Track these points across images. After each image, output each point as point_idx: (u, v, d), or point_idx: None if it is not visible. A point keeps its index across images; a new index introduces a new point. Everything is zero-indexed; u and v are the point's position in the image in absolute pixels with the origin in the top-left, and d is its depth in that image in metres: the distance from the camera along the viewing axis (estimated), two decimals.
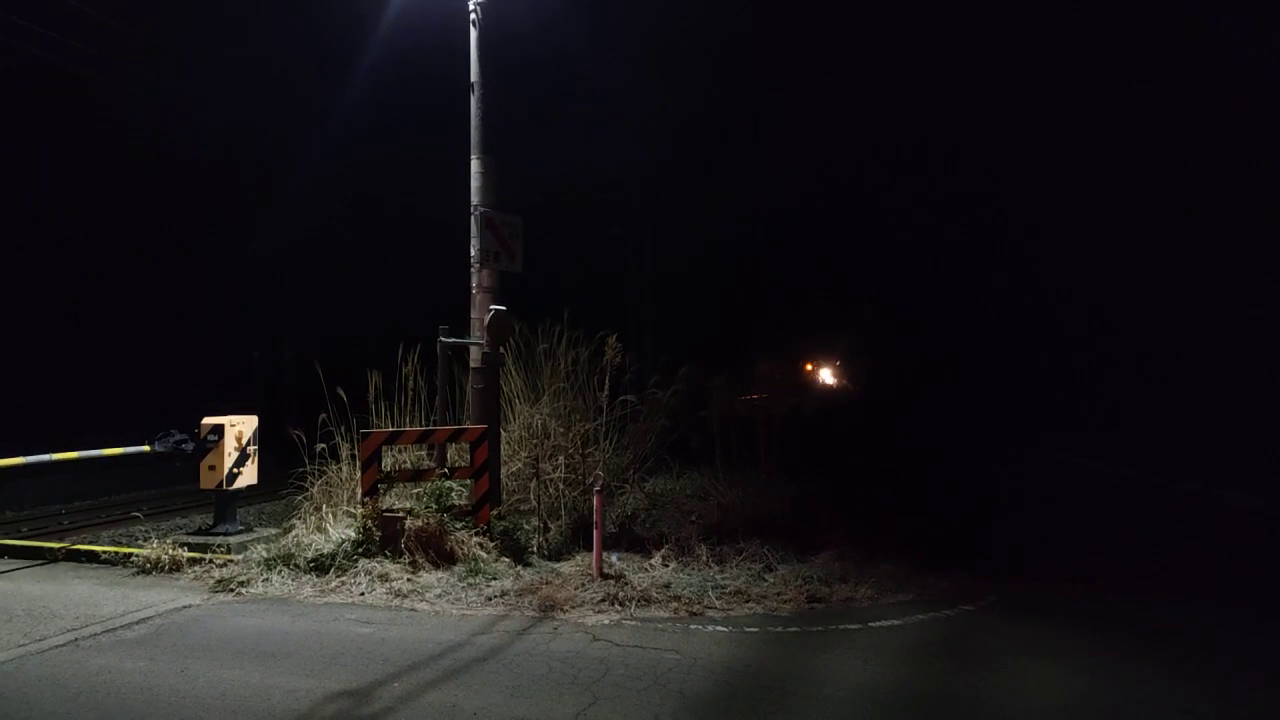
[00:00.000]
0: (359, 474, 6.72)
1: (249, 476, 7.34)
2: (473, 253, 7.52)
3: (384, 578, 5.96)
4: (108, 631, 5.05)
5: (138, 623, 5.22)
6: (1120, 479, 12.02)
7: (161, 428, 7.74)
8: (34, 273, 17.16)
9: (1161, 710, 3.89)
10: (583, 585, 5.79)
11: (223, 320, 20.63)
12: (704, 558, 6.45)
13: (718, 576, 6.03)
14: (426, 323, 7.46)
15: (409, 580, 5.92)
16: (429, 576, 6.01)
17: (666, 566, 6.30)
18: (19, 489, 11.38)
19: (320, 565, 6.22)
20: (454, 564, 6.22)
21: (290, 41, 18.22)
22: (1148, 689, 4.10)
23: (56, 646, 4.78)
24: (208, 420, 7.16)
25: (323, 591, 5.87)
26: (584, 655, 4.53)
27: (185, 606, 5.59)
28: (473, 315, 7.61)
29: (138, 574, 6.52)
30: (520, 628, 5.05)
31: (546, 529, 7.05)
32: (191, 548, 6.89)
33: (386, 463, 7.28)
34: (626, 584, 5.74)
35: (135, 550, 6.91)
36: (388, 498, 7.15)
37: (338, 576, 6.06)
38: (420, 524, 6.37)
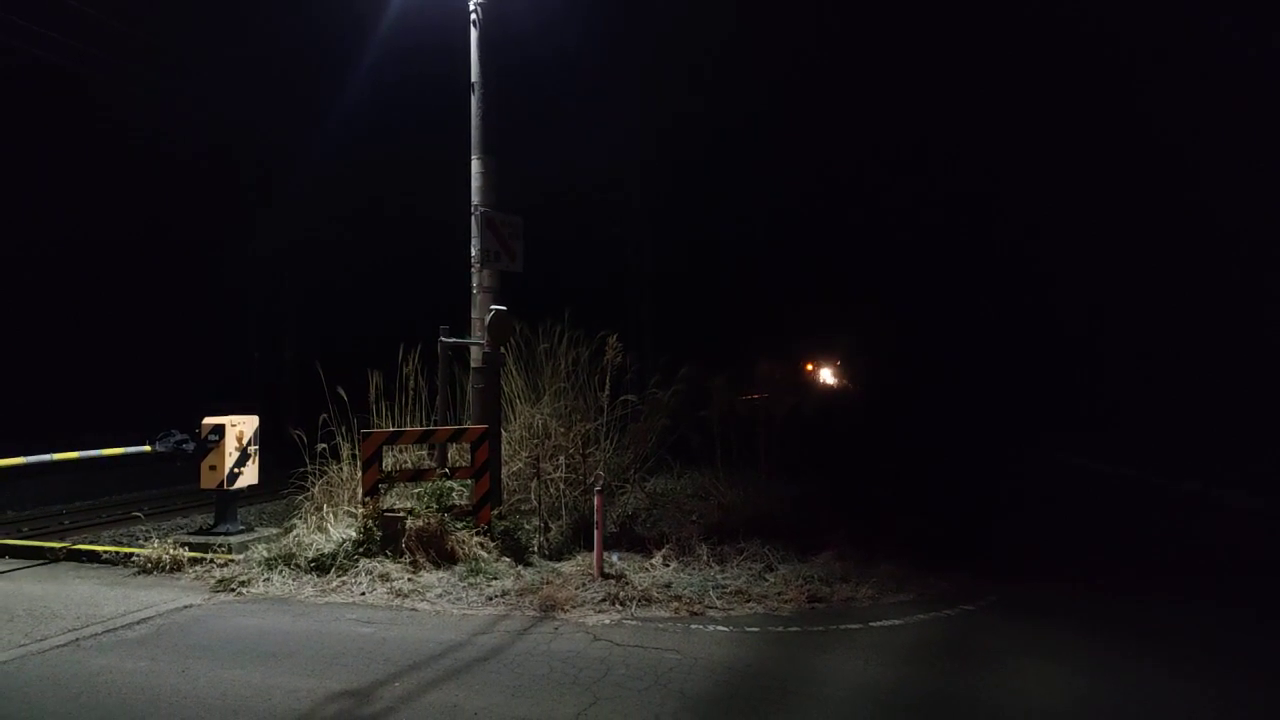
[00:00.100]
0: (360, 474, 6.73)
1: (250, 476, 7.34)
2: (473, 253, 7.53)
3: (385, 577, 5.96)
4: (109, 631, 5.05)
5: (139, 623, 5.22)
6: (1120, 479, 12.02)
7: (162, 428, 7.75)
8: (34, 273, 17.14)
9: (1162, 710, 3.89)
10: (583, 585, 5.79)
11: (223, 320, 20.63)
12: (704, 557, 6.45)
13: (718, 576, 6.03)
14: (427, 323, 7.46)
15: (410, 580, 5.92)
16: (430, 576, 6.02)
17: (667, 566, 6.30)
18: (20, 489, 11.39)
19: (321, 565, 6.23)
20: (455, 564, 6.23)
21: (290, 41, 18.24)
22: (1148, 689, 4.11)
23: (57, 646, 4.78)
24: (208, 420, 7.16)
25: (324, 591, 5.88)
26: (585, 655, 4.53)
27: (186, 606, 5.59)
28: (473, 315, 7.62)
29: (139, 574, 6.52)
30: (521, 627, 5.06)
31: (547, 529, 7.06)
32: (192, 547, 6.90)
33: (387, 463, 7.29)
34: (627, 584, 5.74)
35: (136, 550, 6.92)
36: (388, 497, 7.15)
37: (339, 576, 6.07)
38: (421, 524, 6.38)
